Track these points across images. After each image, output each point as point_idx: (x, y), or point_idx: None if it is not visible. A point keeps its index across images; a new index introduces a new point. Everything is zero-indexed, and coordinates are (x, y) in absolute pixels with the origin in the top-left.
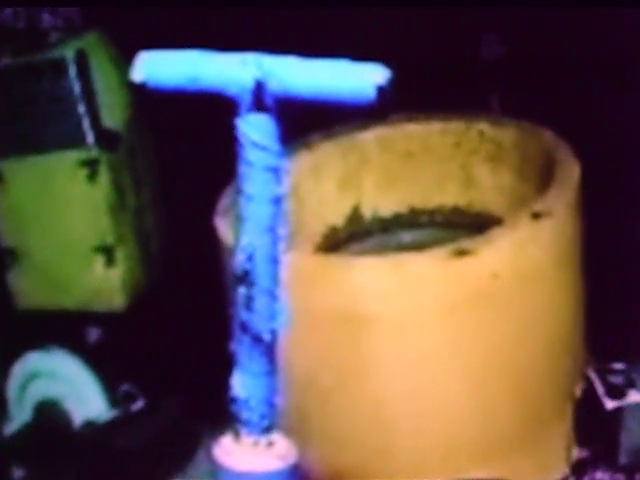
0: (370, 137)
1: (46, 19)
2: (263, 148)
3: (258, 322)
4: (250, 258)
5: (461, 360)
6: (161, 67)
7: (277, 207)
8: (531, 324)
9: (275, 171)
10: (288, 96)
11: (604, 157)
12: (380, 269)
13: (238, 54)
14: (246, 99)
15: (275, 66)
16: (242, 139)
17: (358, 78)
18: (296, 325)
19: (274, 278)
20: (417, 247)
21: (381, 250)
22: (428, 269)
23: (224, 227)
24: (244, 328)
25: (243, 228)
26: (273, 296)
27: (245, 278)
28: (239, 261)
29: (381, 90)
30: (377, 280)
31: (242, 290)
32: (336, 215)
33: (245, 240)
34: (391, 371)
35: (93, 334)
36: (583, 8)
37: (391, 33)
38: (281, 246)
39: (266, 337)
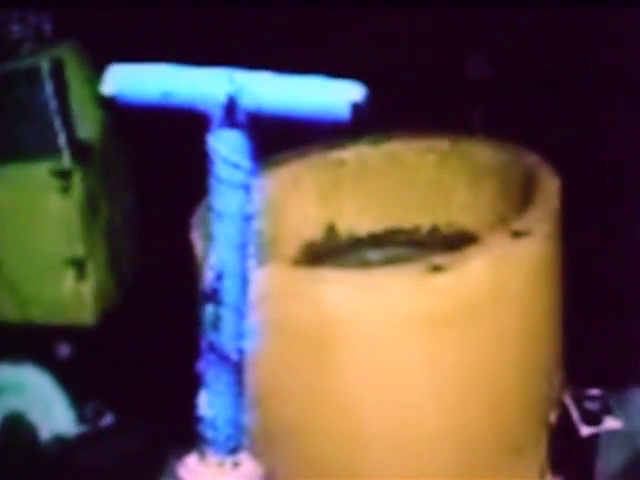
0: (349, 154)
1: (15, 30)
2: (234, 165)
3: (225, 341)
4: (219, 277)
5: (434, 379)
6: (132, 81)
7: (247, 225)
8: (507, 345)
9: (246, 188)
10: (261, 112)
11: (587, 177)
12: (352, 283)
13: (210, 69)
14: (217, 114)
15: (248, 81)
16: (213, 155)
17: (332, 95)
18: (266, 341)
19: (243, 297)
20: (392, 264)
21: (357, 267)
22: (402, 284)
23: (199, 241)
24: (211, 347)
25: (212, 246)
26: (241, 315)
27: (213, 296)
28: (208, 279)
29: (356, 108)
30: (349, 294)
31: (210, 309)
32: (313, 231)
33: (214, 258)
34: (363, 389)
35: (62, 349)
36: (569, 28)
37: (375, 50)
38: (251, 264)
39: (233, 356)
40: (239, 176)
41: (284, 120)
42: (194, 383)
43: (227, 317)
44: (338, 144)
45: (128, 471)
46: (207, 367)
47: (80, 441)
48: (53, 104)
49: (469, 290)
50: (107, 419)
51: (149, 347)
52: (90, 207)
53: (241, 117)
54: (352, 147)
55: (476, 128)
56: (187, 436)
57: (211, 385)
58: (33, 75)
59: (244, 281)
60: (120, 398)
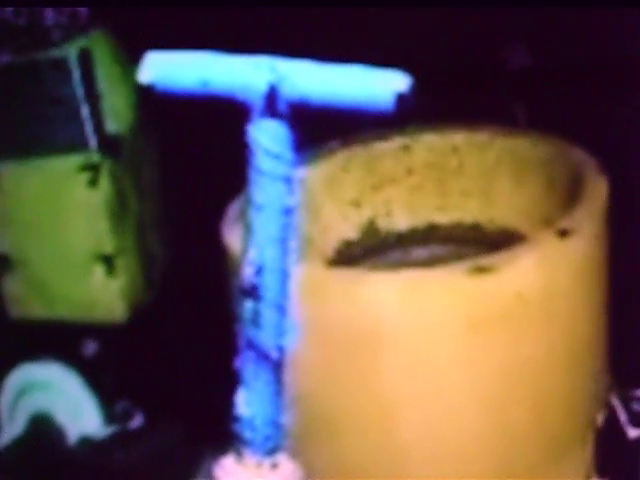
0: (389, 147)
1: (49, 16)
2: (275, 156)
3: (265, 338)
4: (259, 271)
5: (478, 384)
6: (169, 69)
7: (288, 218)
8: (553, 347)
9: (287, 180)
10: (303, 102)
11: (634, 171)
12: (393, 284)
13: (251, 57)
14: (258, 104)
15: (290, 70)
16: (253, 146)
17: (377, 85)
18: (304, 342)
19: (283, 292)
20: (434, 263)
21: (396, 266)
22: (445, 286)
23: (232, 237)
24: (250, 344)
25: (252, 240)
26: (282, 311)
27: (253, 292)
28: (247, 274)
29: (401, 98)
30: (390, 296)
31: (249, 305)
32: (351, 228)
33: (253, 252)
34: (403, 393)
35: (90, 347)
36: (615, 16)
37: (414, 39)
38: (291, 259)
39: (273, 354)
40: (280, 168)
41: (326, 110)
42: (226, 381)
43: (267, 313)
44: (376, 137)
45: (159, 473)
46: (246, 365)
47: (109, 442)
48: (81, 96)
49: (517, 290)
50: (137, 419)
51: (180, 345)
52: (119, 201)
53: (283, 107)
54: (390, 140)
55: (518, 121)
56: (220, 437)
57: (250, 383)
58: (60, 65)
59: (284, 276)
60: (150, 397)
